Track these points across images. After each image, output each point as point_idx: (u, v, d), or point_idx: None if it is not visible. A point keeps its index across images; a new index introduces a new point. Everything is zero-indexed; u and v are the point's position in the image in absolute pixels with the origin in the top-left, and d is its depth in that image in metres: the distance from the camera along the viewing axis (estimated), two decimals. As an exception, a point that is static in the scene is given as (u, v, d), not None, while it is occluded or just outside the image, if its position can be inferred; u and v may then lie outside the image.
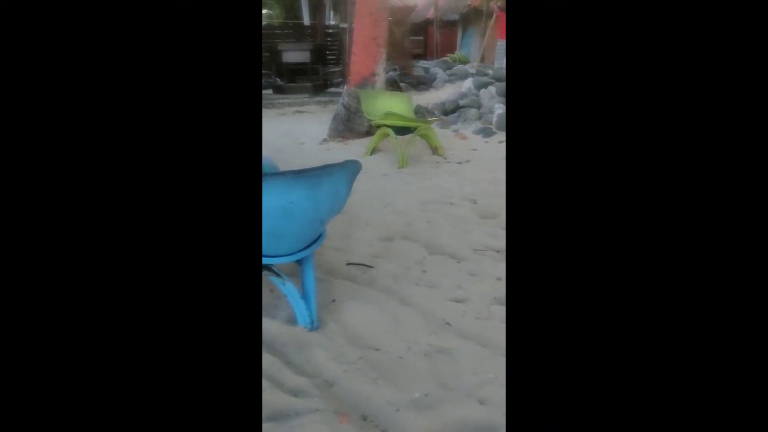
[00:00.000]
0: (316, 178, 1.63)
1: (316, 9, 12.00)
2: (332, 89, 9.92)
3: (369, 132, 5.19)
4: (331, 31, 10.82)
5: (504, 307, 2.02)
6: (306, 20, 14.94)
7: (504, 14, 8.80)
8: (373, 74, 5.32)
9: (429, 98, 7.85)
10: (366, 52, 5.29)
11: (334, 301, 2.00)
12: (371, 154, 4.60)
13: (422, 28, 15.45)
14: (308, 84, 9.56)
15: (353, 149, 4.94)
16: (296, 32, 11.78)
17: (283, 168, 1.93)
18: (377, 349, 1.73)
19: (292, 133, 5.86)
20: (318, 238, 1.89)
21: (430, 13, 14.59)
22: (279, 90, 9.72)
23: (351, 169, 1.74)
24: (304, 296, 1.83)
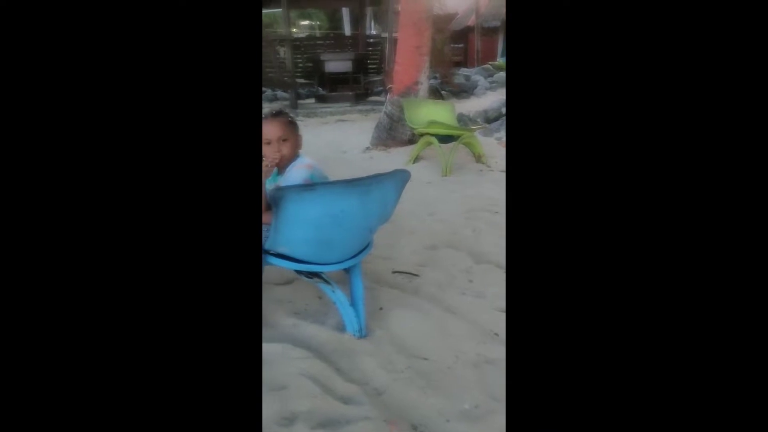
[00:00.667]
0: (367, 187, 1.65)
1: (358, 19, 12.17)
2: (373, 98, 10.01)
3: (411, 140, 5.21)
4: (372, 40, 10.94)
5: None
6: (347, 30, 15.16)
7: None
8: (416, 83, 5.34)
9: (470, 106, 7.81)
10: (409, 62, 5.32)
11: (381, 309, 2.01)
12: (414, 162, 4.61)
13: (463, 35, 15.43)
14: (350, 93, 9.69)
15: (396, 157, 4.96)
16: (338, 42, 11.97)
17: (328, 178, 1.96)
18: (425, 359, 1.72)
19: (334, 141, 5.94)
20: (366, 247, 1.90)
21: (471, 21, 14.55)
22: (321, 99, 9.89)
23: (400, 178, 1.75)
24: (353, 304, 1.84)
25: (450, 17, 14.42)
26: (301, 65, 10.19)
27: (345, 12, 15.59)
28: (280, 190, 1.55)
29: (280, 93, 10.46)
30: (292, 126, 1.85)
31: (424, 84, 5.45)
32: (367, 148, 5.47)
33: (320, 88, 10.15)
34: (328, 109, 8.90)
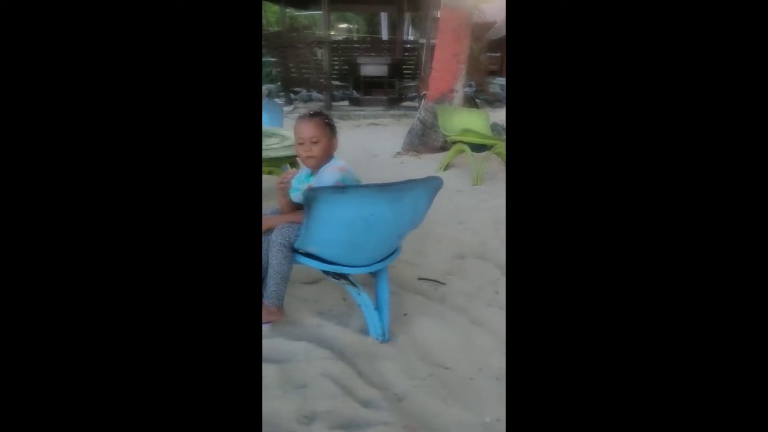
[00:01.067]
0: (399, 192, 1.65)
1: (395, 24, 12.22)
2: (407, 103, 10.02)
3: (443, 147, 5.19)
4: (409, 46, 10.95)
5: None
6: (385, 35, 15.22)
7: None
8: (452, 90, 5.33)
9: (503, 115, 7.73)
10: (446, 69, 5.32)
11: (405, 314, 2.00)
12: (445, 169, 4.59)
13: (499, 44, 15.31)
14: (384, 97, 9.72)
15: (427, 164, 4.95)
16: (375, 46, 12.04)
17: (361, 180, 1.97)
18: (447, 368, 1.71)
19: (366, 145, 5.96)
20: (394, 252, 1.90)
21: (510, 30, 14.42)
22: (355, 102, 9.95)
23: (433, 184, 1.75)
24: (378, 308, 1.84)
25: (488, 26, 14.33)
26: (337, 67, 10.27)
27: (383, 17, 15.67)
28: (313, 191, 1.56)
29: (315, 94, 10.57)
30: (327, 128, 1.86)
31: (459, 92, 5.43)
32: (399, 153, 5.48)
33: (355, 91, 10.22)
34: (362, 113, 8.95)
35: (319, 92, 10.05)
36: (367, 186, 1.66)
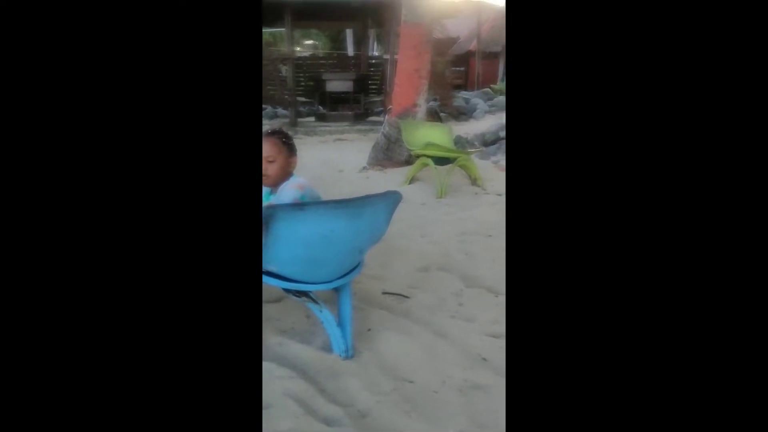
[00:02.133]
0: (358, 208, 1.65)
1: (361, 41, 12.34)
2: (372, 118, 10.09)
3: (408, 161, 5.24)
4: (374, 61, 11.07)
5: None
6: (350, 51, 15.33)
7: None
8: (415, 105, 5.40)
9: (469, 129, 7.88)
10: (408, 84, 5.39)
11: (369, 330, 2.00)
12: (410, 183, 4.63)
13: (464, 59, 15.62)
14: (349, 113, 9.76)
15: (392, 178, 4.99)
16: (340, 62, 12.11)
17: (323, 196, 1.97)
18: (411, 382, 1.71)
19: (332, 160, 5.97)
20: (356, 267, 1.90)
21: (473, 46, 14.75)
22: (321, 118, 9.96)
23: (392, 199, 1.76)
24: (340, 324, 1.84)
25: (452, 41, 14.62)
26: (302, 84, 10.29)
27: (348, 33, 15.81)
28: (271, 209, 1.56)
29: (280, 110, 10.54)
30: (284, 147, 1.86)
31: (423, 106, 5.50)
32: (364, 168, 5.50)
33: (320, 107, 10.24)
34: (327, 128, 8.97)
35: (284, 108, 10.03)
36: (325, 203, 1.66)
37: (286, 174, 1.86)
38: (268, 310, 2.12)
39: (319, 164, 5.58)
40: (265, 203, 1.85)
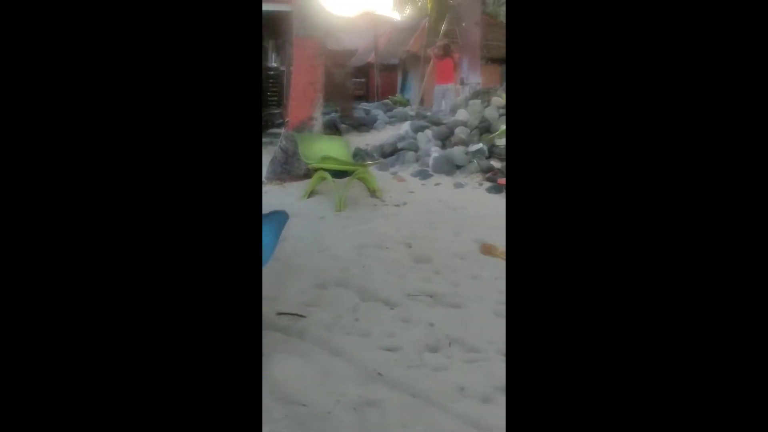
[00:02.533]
0: (240, 231, 1.60)
1: (258, 51, 12.08)
2: (272, 130, 9.90)
3: (307, 175, 5.19)
4: (272, 73, 10.88)
5: (435, 354, 2.03)
6: (247, 62, 14.91)
7: (441, 61, 9.19)
8: (311, 118, 5.38)
9: (370, 139, 7.98)
10: (303, 97, 5.36)
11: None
12: (309, 197, 4.59)
13: (364, 71, 15.85)
14: (248, 125, 9.50)
15: (291, 191, 4.92)
16: (237, 73, 11.73)
17: None
18: (304, 405, 1.68)
19: (229, 175, 5.77)
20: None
21: (371, 58, 15.00)
22: (218, 131, 9.61)
23: (276, 220, 1.73)
24: (229, 352, 1.76)
25: (350, 53, 14.77)
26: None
27: (245, 43, 15.42)
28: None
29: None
30: None
31: (319, 119, 5.49)
32: (263, 182, 5.37)
33: (217, 120, 9.87)
34: (225, 141, 8.66)
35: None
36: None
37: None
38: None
39: (214, 180, 5.36)
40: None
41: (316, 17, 5.30)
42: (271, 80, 10.48)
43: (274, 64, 13.08)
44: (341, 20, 8.13)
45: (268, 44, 12.13)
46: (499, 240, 3.22)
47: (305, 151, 4.68)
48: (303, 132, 5.22)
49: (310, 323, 2.23)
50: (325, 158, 4.36)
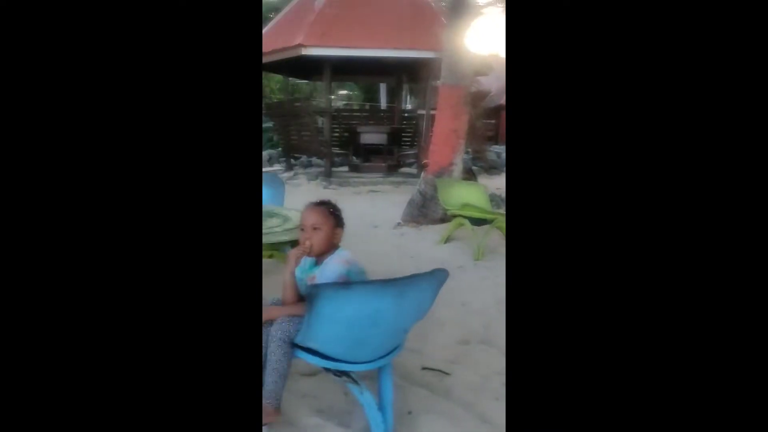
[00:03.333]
0: (403, 287, 1.60)
1: (394, 93, 12.60)
2: (405, 170, 10.15)
3: (443, 219, 5.19)
4: (407, 114, 11.23)
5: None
6: (383, 104, 15.66)
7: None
8: (451, 164, 5.41)
9: (499, 183, 7.83)
10: (445, 143, 5.42)
11: (410, 413, 1.90)
12: (445, 242, 4.57)
13: (495, 112, 15.76)
14: (383, 164, 9.85)
15: (427, 235, 4.94)
16: (373, 115, 12.33)
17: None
18: (456, 476, 1.60)
19: (366, 214, 5.97)
20: (398, 346, 1.83)
21: (503, 100, 14.90)
22: (354, 168, 10.08)
23: (438, 278, 1.70)
24: (381, 407, 1.75)
25: (484, 94, 14.80)
26: (337, 134, 10.48)
27: (382, 87, 16.20)
28: (315, 287, 1.52)
29: (315, 160, 10.72)
30: (331, 217, 1.84)
31: (459, 165, 5.50)
32: (399, 224, 5.47)
33: (354, 158, 10.37)
34: (361, 179, 9.04)
35: (320, 158, 10.20)
36: (371, 282, 1.62)
37: (330, 245, 1.83)
38: (304, 385, 2.05)
39: (353, 218, 5.53)
40: (309, 275, 1.82)
41: (464, 65, 5.36)
42: (405, 122, 10.81)
43: (410, 107, 13.51)
44: (482, 64, 8.16)
45: (404, 88, 12.59)
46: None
47: (445, 196, 4.69)
48: (442, 177, 5.25)
49: (456, 383, 2.15)
50: (464, 205, 4.33)
